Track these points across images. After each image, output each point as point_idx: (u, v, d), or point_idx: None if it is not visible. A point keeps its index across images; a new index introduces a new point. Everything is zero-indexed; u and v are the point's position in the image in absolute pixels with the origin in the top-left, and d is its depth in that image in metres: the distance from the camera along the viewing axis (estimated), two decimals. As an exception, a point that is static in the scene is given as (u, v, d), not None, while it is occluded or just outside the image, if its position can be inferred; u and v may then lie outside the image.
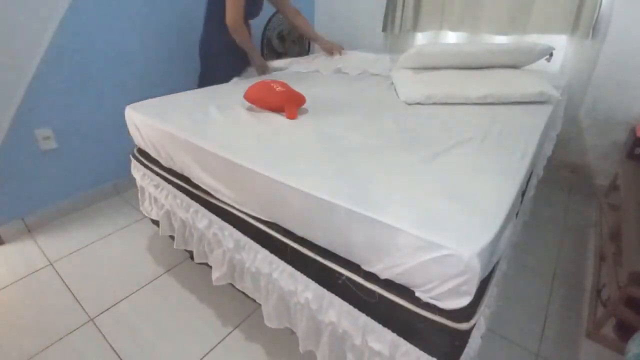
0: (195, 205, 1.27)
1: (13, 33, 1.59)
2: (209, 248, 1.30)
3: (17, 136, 1.72)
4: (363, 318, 0.87)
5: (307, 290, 0.97)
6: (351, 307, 0.89)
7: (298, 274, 0.99)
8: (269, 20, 2.54)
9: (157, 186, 1.46)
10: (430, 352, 0.79)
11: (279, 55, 2.67)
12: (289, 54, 2.71)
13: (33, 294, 1.49)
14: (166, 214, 1.46)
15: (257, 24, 2.57)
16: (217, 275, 1.25)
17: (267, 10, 2.52)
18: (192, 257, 1.42)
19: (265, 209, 1.04)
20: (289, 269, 1.00)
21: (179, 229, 1.41)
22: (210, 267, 1.29)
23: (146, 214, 1.58)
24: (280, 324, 1.12)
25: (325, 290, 0.93)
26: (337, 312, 0.92)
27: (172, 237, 1.47)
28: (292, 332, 1.10)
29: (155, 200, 1.50)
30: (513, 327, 1.35)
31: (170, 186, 1.37)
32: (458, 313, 0.75)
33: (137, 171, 1.55)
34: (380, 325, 0.85)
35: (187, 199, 1.30)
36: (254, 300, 1.18)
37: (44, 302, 1.46)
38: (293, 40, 2.71)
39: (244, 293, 1.23)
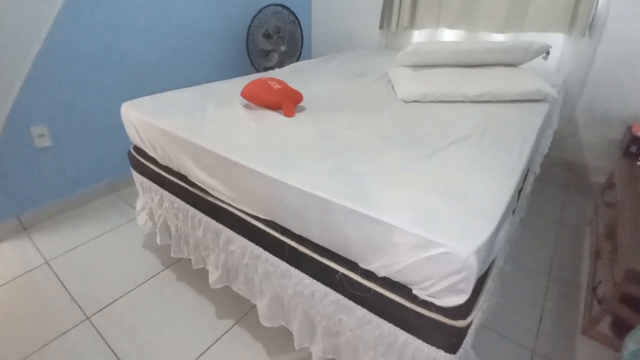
0: (192, 210, 1.27)
1: (8, 29, 1.57)
2: (205, 253, 1.30)
3: (12, 134, 1.70)
4: (359, 310, 0.88)
5: (302, 284, 0.97)
6: (347, 300, 0.89)
7: (295, 271, 0.99)
8: (254, 18, 2.44)
9: (153, 196, 1.47)
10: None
11: (267, 54, 2.59)
12: (276, 51, 2.60)
13: (29, 293, 1.48)
14: (163, 224, 1.48)
15: (242, 22, 2.51)
16: (213, 278, 1.26)
17: (252, 7, 2.48)
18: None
19: (263, 207, 1.04)
20: (286, 266, 1.00)
21: (175, 238, 1.44)
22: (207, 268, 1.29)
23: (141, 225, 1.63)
24: (275, 323, 1.12)
25: (320, 284, 0.94)
26: (333, 305, 0.92)
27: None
28: (289, 330, 1.10)
29: (151, 213, 1.54)
30: (509, 324, 1.35)
31: (166, 192, 1.37)
32: (455, 310, 0.75)
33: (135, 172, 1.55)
34: (376, 317, 0.85)
35: (183, 204, 1.30)
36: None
37: (40, 300, 1.45)
38: (280, 36, 2.57)
39: (240, 291, 1.24)
